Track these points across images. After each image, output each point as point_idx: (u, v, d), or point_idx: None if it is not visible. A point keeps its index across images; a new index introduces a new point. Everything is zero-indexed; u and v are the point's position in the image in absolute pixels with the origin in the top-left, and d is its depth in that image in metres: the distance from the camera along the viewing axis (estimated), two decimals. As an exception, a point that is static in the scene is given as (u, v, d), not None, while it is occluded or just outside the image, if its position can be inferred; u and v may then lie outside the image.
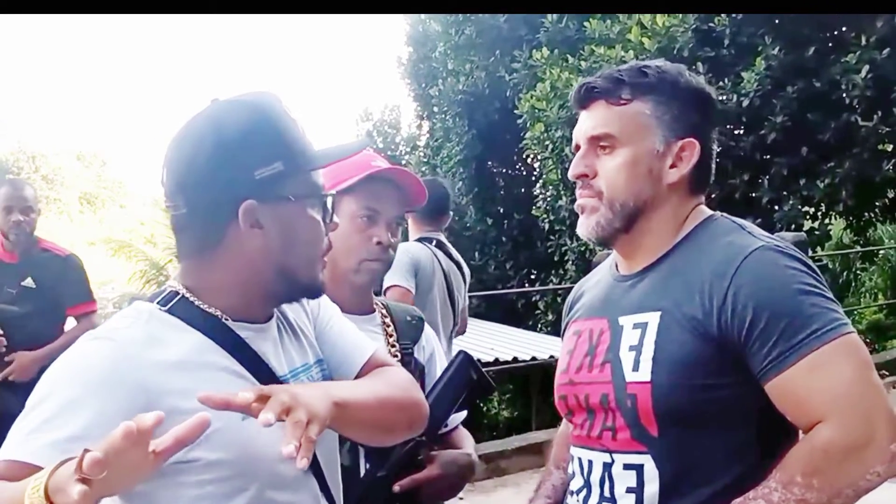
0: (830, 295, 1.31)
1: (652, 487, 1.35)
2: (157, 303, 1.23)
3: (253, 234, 1.20)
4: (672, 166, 1.43)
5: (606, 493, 1.40)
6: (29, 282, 3.85)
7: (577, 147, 1.49)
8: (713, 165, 1.50)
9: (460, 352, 1.78)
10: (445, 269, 4.07)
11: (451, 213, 4.36)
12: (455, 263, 4.18)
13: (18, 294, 3.84)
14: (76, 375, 1.11)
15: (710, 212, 1.48)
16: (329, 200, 1.30)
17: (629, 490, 1.37)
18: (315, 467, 1.26)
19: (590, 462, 1.45)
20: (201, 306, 1.23)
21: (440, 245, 4.15)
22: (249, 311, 1.26)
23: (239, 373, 1.21)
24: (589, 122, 1.46)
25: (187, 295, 1.24)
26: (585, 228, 1.47)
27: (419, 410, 1.37)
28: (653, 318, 1.37)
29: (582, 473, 1.47)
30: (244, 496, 1.17)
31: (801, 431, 1.32)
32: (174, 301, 1.23)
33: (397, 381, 1.36)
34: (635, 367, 1.36)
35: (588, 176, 1.46)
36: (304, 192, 1.24)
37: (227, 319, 1.23)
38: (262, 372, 1.23)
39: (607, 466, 1.41)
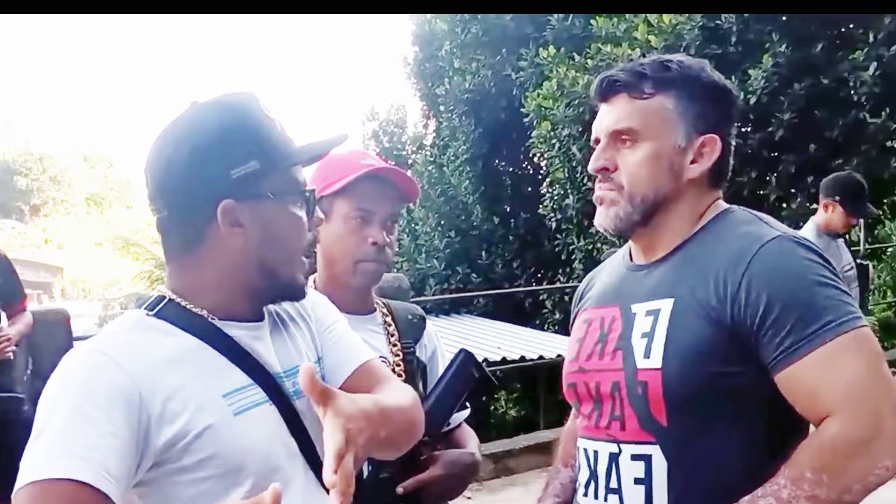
0: (845, 288, 1.30)
1: (660, 478, 1.33)
2: (145, 308, 1.24)
3: (233, 232, 1.21)
4: (693, 162, 1.43)
5: (612, 484, 1.39)
6: None
7: (597, 140, 1.48)
8: (731, 161, 1.49)
9: (461, 350, 1.77)
10: None
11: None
12: None
13: None
14: (75, 392, 1.10)
15: (727, 205, 1.48)
16: (311, 195, 1.30)
17: (637, 481, 1.36)
18: (312, 458, 1.25)
19: (595, 452, 1.44)
20: (188, 307, 1.23)
21: None
22: (237, 309, 1.26)
23: (228, 368, 1.21)
24: (611, 116, 1.45)
25: (174, 298, 1.24)
26: (604, 219, 1.47)
27: (420, 429, 1.38)
28: (666, 305, 1.36)
29: (588, 464, 1.46)
30: (240, 491, 1.16)
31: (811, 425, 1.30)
32: (161, 305, 1.24)
33: (408, 396, 1.35)
34: (647, 354, 1.35)
35: (609, 170, 1.45)
36: (283, 189, 1.24)
37: (213, 318, 1.24)
38: (254, 368, 1.23)
39: (614, 457, 1.40)
